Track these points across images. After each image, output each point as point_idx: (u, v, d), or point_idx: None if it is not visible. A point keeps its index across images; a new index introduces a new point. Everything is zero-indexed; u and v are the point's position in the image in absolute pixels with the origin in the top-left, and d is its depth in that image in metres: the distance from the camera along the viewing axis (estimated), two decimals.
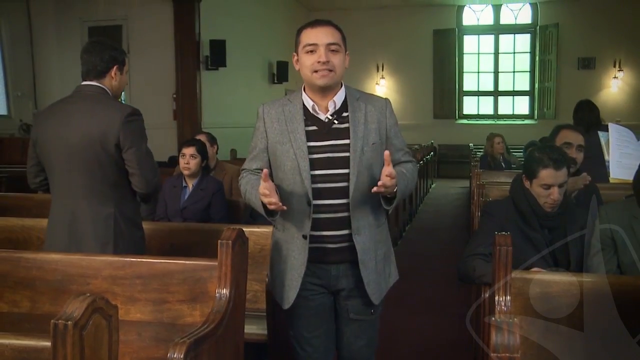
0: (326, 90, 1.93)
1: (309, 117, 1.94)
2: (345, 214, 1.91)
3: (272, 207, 1.83)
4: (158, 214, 3.63)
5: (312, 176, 1.89)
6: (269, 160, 1.98)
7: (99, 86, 2.37)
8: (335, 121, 1.93)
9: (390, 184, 1.81)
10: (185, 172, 3.62)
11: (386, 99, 2.04)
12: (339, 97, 1.95)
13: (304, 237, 1.92)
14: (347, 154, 1.90)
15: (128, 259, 2.06)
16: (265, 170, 1.81)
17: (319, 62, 1.87)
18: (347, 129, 1.92)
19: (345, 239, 1.94)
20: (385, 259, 2.05)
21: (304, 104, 1.96)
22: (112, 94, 2.40)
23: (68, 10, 8.48)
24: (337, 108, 1.94)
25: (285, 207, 1.84)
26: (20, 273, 2.07)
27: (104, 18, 8.38)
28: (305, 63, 1.90)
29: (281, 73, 11.07)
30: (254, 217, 3.48)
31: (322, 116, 1.94)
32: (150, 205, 3.68)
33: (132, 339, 1.91)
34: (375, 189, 1.82)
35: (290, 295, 1.96)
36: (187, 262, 2.04)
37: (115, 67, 2.39)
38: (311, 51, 1.88)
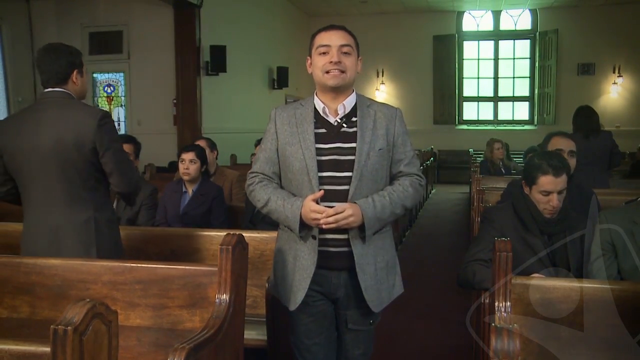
0: (337, 92, 1.96)
1: (319, 120, 1.97)
2: None
3: (320, 226, 1.85)
4: (158, 219, 3.63)
5: (320, 177, 1.90)
6: (279, 162, 2.00)
7: (64, 91, 2.34)
8: (344, 125, 1.96)
9: (333, 220, 1.83)
10: (185, 178, 3.62)
11: (397, 109, 2.05)
12: (349, 102, 1.98)
13: (313, 237, 1.92)
14: (352, 157, 1.91)
15: (128, 265, 2.06)
16: (322, 192, 1.85)
17: (331, 62, 1.91)
18: (355, 133, 1.94)
19: (344, 243, 1.93)
20: (388, 268, 2.02)
21: (315, 108, 1.99)
22: (76, 98, 2.38)
23: (69, 16, 8.50)
24: (346, 112, 1.97)
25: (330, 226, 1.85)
26: (20, 278, 2.07)
27: (105, 24, 8.42)
28: (318, 64, 1.94)
29: (281, 78, 11.09)
30: (253, 222, 3.47)
31: (332, 119, 1.97)
32: (150, 211, 3.68)
33: (131, 345, 1.91)
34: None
35: (298, 296, 1.94)
36: (187, 267, 2.04)
37: (75, 72, 2.36)
38: (324, 52, 1.93)
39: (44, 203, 2.30)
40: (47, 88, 2.34)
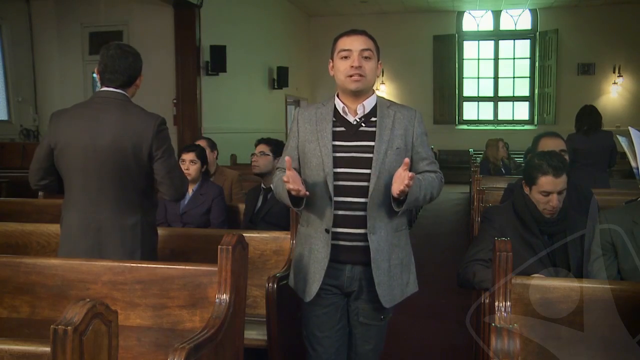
0: (357, 95, 2.03)
1: (339, 119, 2.04)
2: (362, 212, 1.97)
3: (293, 193, 1.92)
4: (158, 219, 3.62)
5: (335, 173, 1.97)
6: (298, 159, 2.08)
7: (124, 94, 2.34)
8: (363, 124, 2.03)
9: (402, 184, 1.85)
10: None
11: (417, 110, 2.11)
12: (369, 102, 2.05)
13: (327, 231, 1.99)
14: (370, 155, 1.98)
15: (128, 264, 2.06)
16: (288, 158, 1.92)
17: (352, 66, 1.97)
18: (374, 132, 2.00)
19: (360, 237, 1.99)
20: (403, 266, 2.08)
21: (335, 107, 2.06)
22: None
23: (69, 16, 8.50)
24: (366, 112, 2.04)
25: (306, 192, 1.92)
26: (20, 278, 2.07)
27: (105, 23, 8.40)
28: (340, 68, 2.01)
29: (281, 78, 11.08)
30: (253, 222, 3.47)
31: (351, 118, 2.04)
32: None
33: (131, 345, 1.91)
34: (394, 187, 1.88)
35: (312, 288, 2.02)
36: (187, 267, 2.04)
37: (140, 77, 2.41)
38: (345, 57, 1.99)
39: (93, 202, 2.26)
40: (109, 87, 2.32)
